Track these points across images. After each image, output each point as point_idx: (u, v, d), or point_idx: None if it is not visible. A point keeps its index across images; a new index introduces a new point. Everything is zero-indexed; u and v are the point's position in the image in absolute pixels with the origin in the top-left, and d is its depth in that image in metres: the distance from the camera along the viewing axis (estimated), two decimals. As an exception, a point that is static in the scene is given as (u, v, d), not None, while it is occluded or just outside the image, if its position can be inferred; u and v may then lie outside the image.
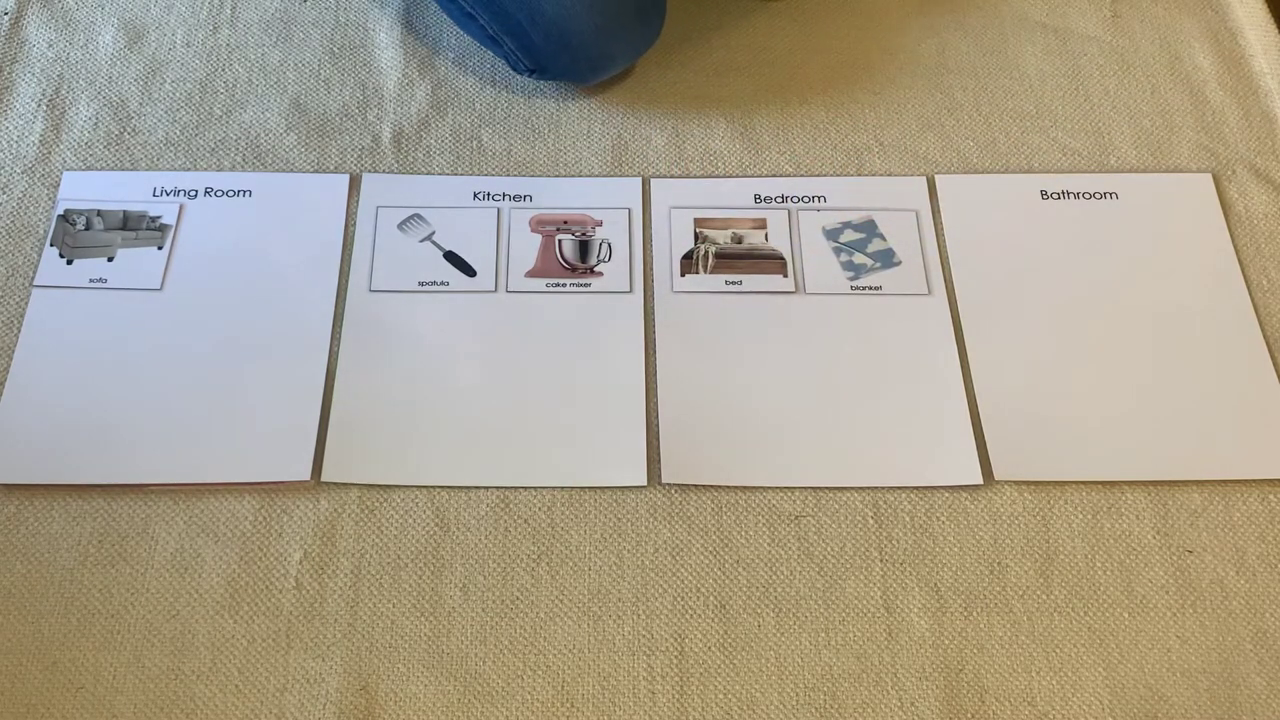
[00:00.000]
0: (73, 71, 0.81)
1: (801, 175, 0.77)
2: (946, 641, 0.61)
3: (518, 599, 0.62)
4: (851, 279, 0.73)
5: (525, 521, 0.65)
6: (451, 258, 0.73)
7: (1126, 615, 0.62)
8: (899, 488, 0.66)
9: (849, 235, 0.74)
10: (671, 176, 0.77)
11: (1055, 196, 0.77)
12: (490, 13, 0.76)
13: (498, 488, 0.65)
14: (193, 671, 0.60)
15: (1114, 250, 0.74)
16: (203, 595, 0.62)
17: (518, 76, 0.81)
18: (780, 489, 0.66)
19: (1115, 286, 0.73)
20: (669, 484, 0.66)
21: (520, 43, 0.76)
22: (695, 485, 0.66)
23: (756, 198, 0.76)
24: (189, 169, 0.77)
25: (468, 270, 0.73)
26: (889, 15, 0.86)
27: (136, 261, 0.73)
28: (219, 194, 0.76)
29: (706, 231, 0.74)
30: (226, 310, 0.71)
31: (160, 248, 0.73)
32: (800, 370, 0.69)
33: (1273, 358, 0.70)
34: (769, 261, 0.73)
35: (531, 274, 0.73)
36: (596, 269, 0.73)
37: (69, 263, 0.72)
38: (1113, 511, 0.65)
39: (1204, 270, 0.74)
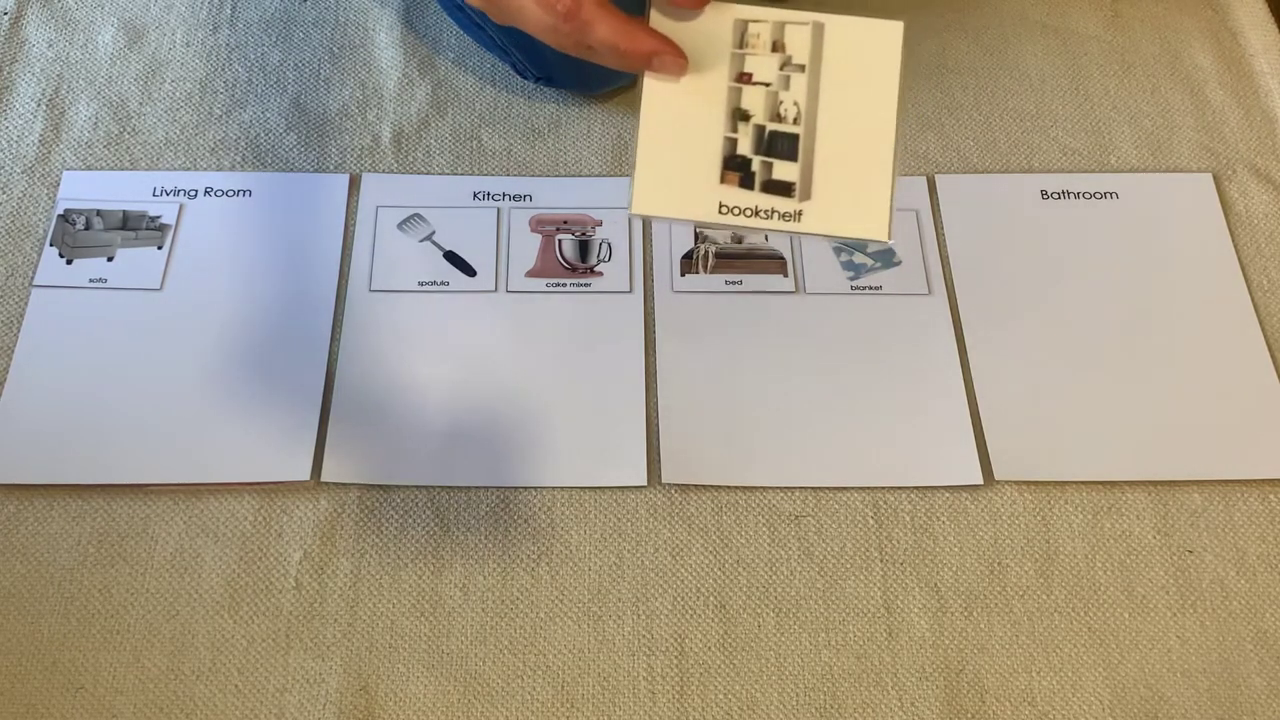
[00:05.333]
0: (73, 71, 0.81)
1: (801, 175, 0.77)
2: (946, 641, 0.62)
3: (518, 599, 0.62)
4: (851, 279, 0.73)
5: (525, 521, 0.65)
6: (451, 258, 0.73)
7: (1126, 615, 0.62)
8: (899, 488, 0.66)
9: (849, 235, 0.74)
10: (671, 176, 0.77)
11: (1055, 196, 0.77)
12: (499, 26, 0.76)
13: (498, 488, 0.65)
14: (193, 671, 0.60)
15: (1114, 250, 0.74)
16: (203, 595, 0.62)
17: (518, 77, 0.81)
18: (780, 489, 0.66)
19: (1115, 286, 0.73)
20: (669, 484, 0.66)
21: (529, 55, 0.76)
22: (695, 485, 0.66)
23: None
24: (189, 169, 0.77)
25: (468, 270, 0.73)
26: (889, 15, 0.86)
27: (136, 261, 0.73)
28: (219, 194, 0.76)
29: (706, 231, 0.74)
30: (226, 310, 0.71)
31: (160, 247, 0.73)
32: (800, 370, 0.69)
33: (1273, 358, 0.70)
34: (769, 261, 0.73)
35: (531, 274, 0.73)
36: (596, 269, 0.73)
37: (69, 263, 0.72)
38: (1113, 511, 0.65)
39: (1204, 270, 0.74)
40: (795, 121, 0.52)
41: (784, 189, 0.52)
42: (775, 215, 0.52)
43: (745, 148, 0.52)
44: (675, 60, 0.52)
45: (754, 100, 0.53)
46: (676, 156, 0.53)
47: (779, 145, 0.52)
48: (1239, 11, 0.86)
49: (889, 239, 0.52)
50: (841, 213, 0.52)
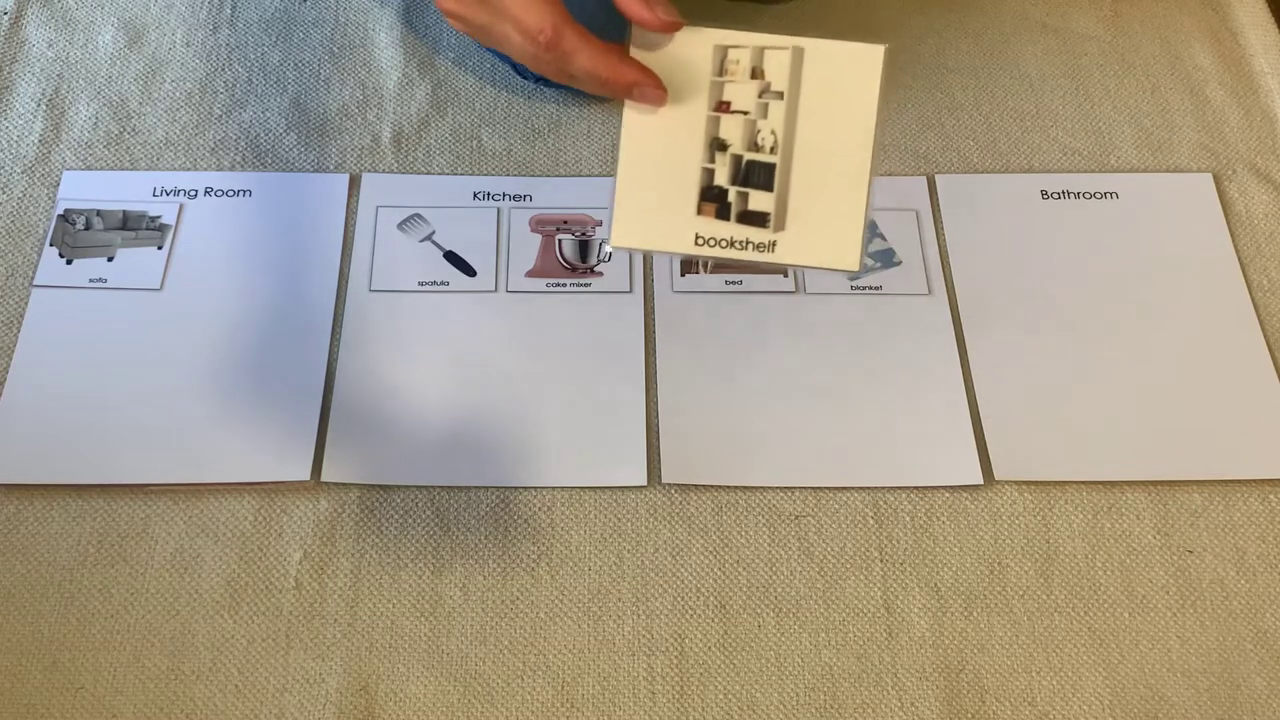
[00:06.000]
0: (73, 71, 0.81)
1: (801, 175, 0.77)
2: (946, 641, 0.62)
3: (518, 599, 0.62)
4: (851, 279, 0.73)
5: (525, 521, 0.65)
6: (451, 258, 0.73)
7: (1126, 615, 0.62)
8: (899, 488, 0.66)
9: (849, 235, 0.74)
10: (671, 176, 0.77)
11: (1055, 196, 0.77)
12: None
13: (498, 488, 0.65)
14: (193, 671, 0.60)
15: (1114, 250, 0.74)
16: (203, 595, 0.62)
17: (518, 76, 0.81)
18: (780, 489, 0.66)
19: (1115, 286, 0.73)
20: (669, 484, 0.66)
21: None
22: (695, 485, 0.66)
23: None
24: (189, 169, 0.77)
25: (468, 270, 0.73)
26: (888, 15, 0.86)
27: (136, 261, 0.73)
28: (219, 194, 0.76)
29: (706, 231, 0.74)
30: (226, 310, 0.71)
31: (160, 247, 0.73)
32: (800, 370, 0.69)
33: (1273, 358, 0.70)
34: (769, 261, 0.73)
35: (531, 274, 0.73)
36: (596, 269, 0.73)
37: (69, 263, 0.72)
38: (1113, 511, 0.65)
39: (1204, 270, 0.74)
40: (772, 151, 0.53)
41: (759, 219, 0.53)
42: (750, 246, 0.53)
43: (722, 178, 0.53)
44: (655, 91, 0.53)
45: (732, 130, 0.53)
46: (655, 188, 0.54)
47: (756, 175, 0.53)
48: (1239, 11, 0.86)
49: (859, 269, 0.53)
50: (813, 244, 0.53)
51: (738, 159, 0.53)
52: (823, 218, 0.53)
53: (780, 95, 0.53)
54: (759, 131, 0.53)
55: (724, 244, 0.53)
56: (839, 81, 0.53)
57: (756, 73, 0.53)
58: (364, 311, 0.71)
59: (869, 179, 0.52)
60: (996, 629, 0.62)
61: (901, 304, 0.72)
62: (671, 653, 0.61)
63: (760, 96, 0.53)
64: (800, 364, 0.70)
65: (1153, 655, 0.61)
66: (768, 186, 0.53)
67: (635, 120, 0.53)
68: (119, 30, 0.84)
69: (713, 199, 0.53)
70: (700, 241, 0.53)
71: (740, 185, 0.53)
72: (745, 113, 0.53)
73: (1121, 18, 0.87)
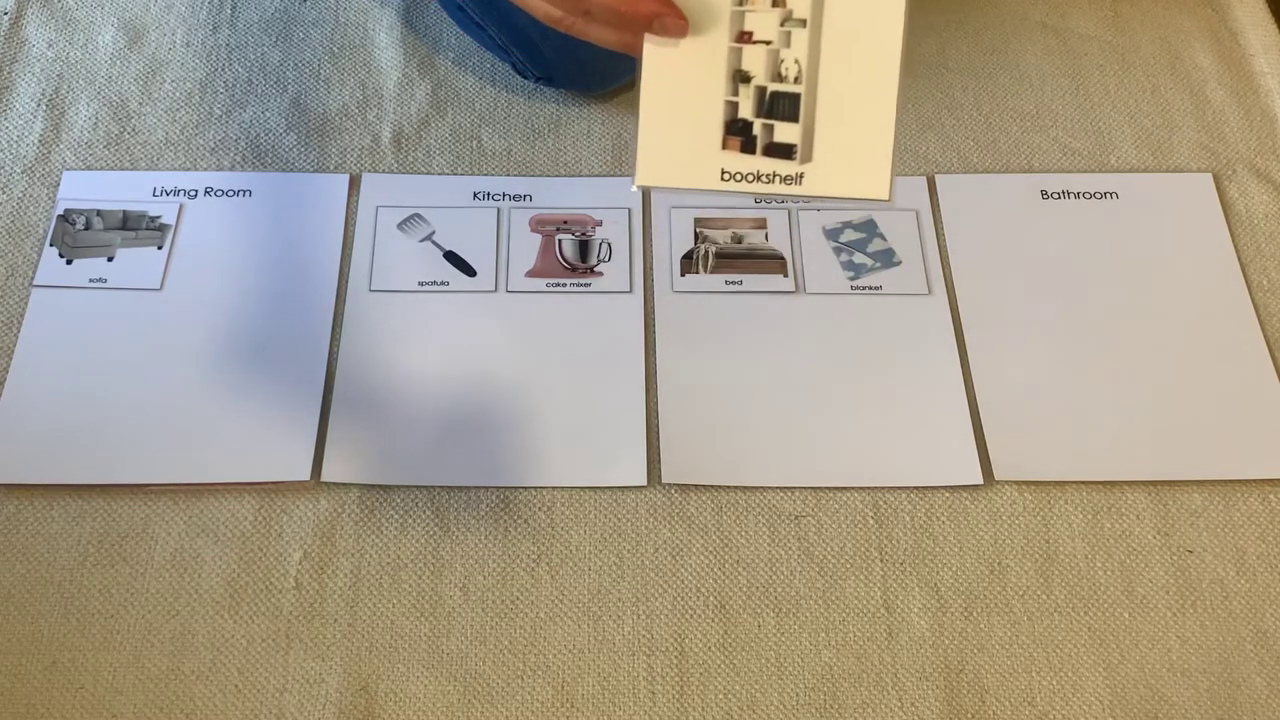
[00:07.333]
0: (73, 71, 0.81)
1: (801, 175, 0.77)
2: (946, 641, 0.62)
3: (518, 599, 0.62)
4: (851, 279, 0.73)
5: (525, 521, 0.65)
6: (451, 258, 0.73)
7: (1126, 615, 0.62)
8: (899, 488, 0.66)
9: (849, 235, 0.74)
10: (671, 176, 0.77)
11: (1055, 196, 0.77)
12: (500, 25, 0.76)
13: (498, 488, 0.65)
14: (193, 671, 0.60)
15: (1114, 250, 0.74)
16: (203, 595, 0.62)
17: (518, 76, 0.81)
18: (780, 489, 0.66)
19: (1115, 286, 0.73)
20: (669, 484, 0.66)
21: (530, 54, 0.76)
22: (695, 485, 0.66)
23: (757, 197, 0.76)
24: (189, 169, 0.77)
25: (468, 270, 0.73)
26: (889, 15, 0.86)
27: (136, 261, 0.73)
28: (219, 194, 0.76)
29: (706, 231, 0.74)
30: (226, 310, 0.71)
31: (160, 247, 0.73)
32: (800, 370, 0.69)
33: (1273, 358, 0.70)
34: (769, 261, 0.73)
35: (531, 274, 0.73)
36: (596, 269, 0.73)
37: (69, 263, 0.72)
38: (1113, 511, 0.65)
39: (1204, 270, 0.74)
40: (796, 80, 0.51)
41: (785, 151, 0.52)
42: (777, 179, 0.52)
43: (746, 111, 0.52)
44: (676, 21, 0.50)
45: (754, 60, 0.52)
46: (678, 125, 0.52)
47: (780, 106, 0.52)
48: (1239, 11, 0.86)
49: (889, 198, 0.51)
50: (842, 173, 0.51)
51: (761, 90, 0.52)
52: (850, 146, 0.51)
53: (803, 23, 0.51)
54: (782, 61, 0.51)
55: (751, 178, 0.52)
56: (863, 4, 0.51)
57: (778, 0, 0.51)
58: (364, 311, 0.71)
59: (896, 105, 0.51)
60: (996, 629, 0.62)
61: (901, 304, 0.72)
62: (671, 653, 0.61)
63: (782, 25, 0.51)
64: (800, 364, 0.70)
65: (1153, 655, 0.61)
66: (793, 117, 0.51)
67: (655, 55, 0.52)
68: (119, 30, 0.84)
69: (737, 133, 0.52)
70: (727, 176, 0.52)
71: (765, 117, 0.52)
72: (768, 42, 0.51)
73: (1121, 18, 0.87)
